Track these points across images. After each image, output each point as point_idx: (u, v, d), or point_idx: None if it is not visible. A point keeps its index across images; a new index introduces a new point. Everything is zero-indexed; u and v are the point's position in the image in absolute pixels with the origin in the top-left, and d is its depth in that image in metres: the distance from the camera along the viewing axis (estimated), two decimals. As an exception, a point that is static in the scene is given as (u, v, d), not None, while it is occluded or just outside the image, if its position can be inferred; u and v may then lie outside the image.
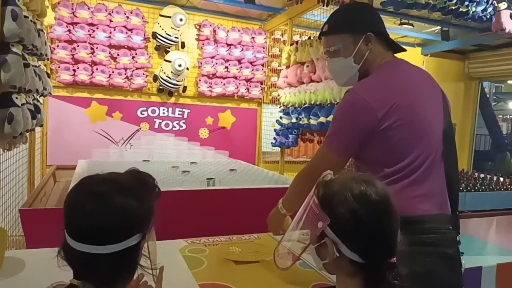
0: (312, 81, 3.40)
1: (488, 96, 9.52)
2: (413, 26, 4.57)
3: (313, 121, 3.27)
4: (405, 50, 1.44)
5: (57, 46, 3.75)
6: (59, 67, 3.78)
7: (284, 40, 4.67)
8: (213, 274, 1.41)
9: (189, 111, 4.49)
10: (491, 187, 3.83)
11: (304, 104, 3.48)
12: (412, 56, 5.70)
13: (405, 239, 1.03)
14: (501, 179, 4.30)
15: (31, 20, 2.14)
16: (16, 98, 2.02)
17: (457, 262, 1.22)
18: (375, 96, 1.21)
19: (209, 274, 1.41)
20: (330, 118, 3.02)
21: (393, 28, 4.78)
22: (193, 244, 1.71)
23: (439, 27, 4.61)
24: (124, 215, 0.75)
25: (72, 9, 3.77)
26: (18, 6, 1.89)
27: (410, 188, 1.21)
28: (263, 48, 4.66)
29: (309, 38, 3.63)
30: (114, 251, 0.74)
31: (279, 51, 4.69)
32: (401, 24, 4.42)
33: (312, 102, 3.33)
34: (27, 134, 2.66)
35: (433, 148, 1.26)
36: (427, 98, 1.30)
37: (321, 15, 3.56)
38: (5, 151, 2.29)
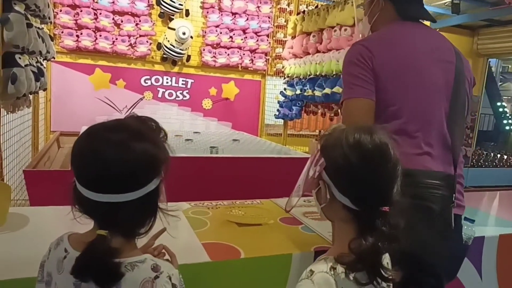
0: (318, 51, 3.35)
1: (494, 75, 9.40)
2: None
3: (318, 93, 3.24)
4: (425, 19, 1.41)
5: (60, 10, 3.69)
6: (62, 32, 3.72)
7: (290, 10, 4.57)
8: (216, 234, 1.44)
9: (192, 81, 4.46)
10: (494, 164, 3.84)
11: (309, 75, 3.44)
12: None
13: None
14: (505, 156, 4.30)
15: (33, -21, 2.09)
16: (19, 58, 2.00)
17: (442, 218, 1.19)
18: (374, 47, 1.23)
19: (212, 234, 1.43)
20: (335, 89, 2.99)
21: (403, 0, 4.67)
22: (196, 207, 1.73)
23: (449, 0, 4.50)
24: (143, 160, 0.73)
25: (74, -28, 3.68)
26: (20, -38, 1.84)
27: (402, 135, 1.20)
28: (269, 18, 4.57)
29: (316, 7, 3.54)
30: (135, 198, 0.72)
31: (285, 21, 4.60)
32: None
33: (318, 73, 3.29)
34: (31, 97, 2.66)
35: (434, 105, 1.25)
36: (427, 61, 1.27)
37: (329, -17, 3.46)
38: (9, 113, 2.28)
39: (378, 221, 0.80)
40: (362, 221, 0.81)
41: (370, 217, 0.80)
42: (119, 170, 0.71)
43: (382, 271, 0.78)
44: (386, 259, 0.88)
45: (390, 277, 0.79)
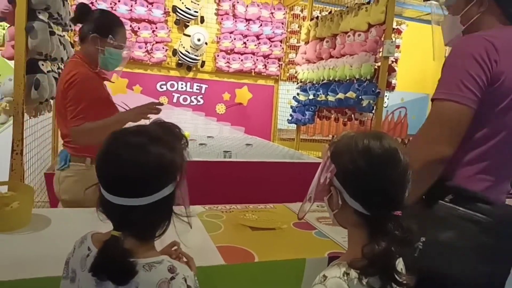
0: (331, 56, 3.37)
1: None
2: (438, 2, 4.42)
3: (331, 98, 3.25)
4: None
5: (79, 17, 3.79)
6: (81, 38, 3.82)
7: (303, 16, 4.60)
8: (230, 237, 1.46)
9: (206, 86, 4.51)
10: None
11: (323, 80, 3.45)
12: (437, 35, 5.54)
13: (451, 208, 1.05)
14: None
15: (56, -11, 2.17)
16: (42, 65, 2.08)
17: (493, 253, 1.11)
18: (500, 42, 1.06)
19: (226, 238, 1.46)
20: (348, 94, 3.00)
21: (417, 4, 4.65)
22: (211, 210, 1.76)
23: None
24: (158, 166, 0.75)
25: (94, -20, 3.79)
26: (44, -27, 1.92)
27: (474, 167, 1.13)
28: (282, 24, 4.61)
29: (330, 12, 3.56)
30: (150, 202, 0.74)
31: (298, 27, 4.62)
32: (425, 0, 4.28)
33: (331, 78, 3.30)
34: (52, 102, 2.74)
35: None
36: None
37: (343, -11, 3.48)
38: (31, 117, 2.37)
39: (390, 225, 0.80)
40: (374, 225, 0.82)
41: (382, 222, 0.81)
42: (134, 174, 0.73)
43: (396, 276, 0.79)
44: (400, 264, 0.88)
45: (404, 281, 0.80)
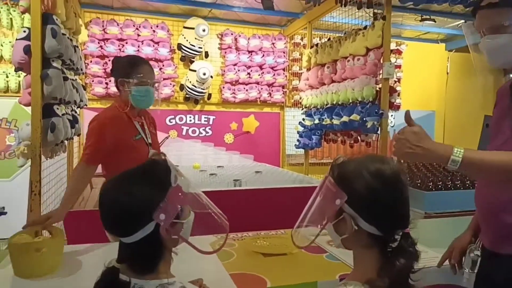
0: (333, 81, 3.45)
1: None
2: (435, 22, 4.53)
3: (336, 121, 3.31)
4: None
5: (91, 61, 3.99)
6: (92, 81, 4.01)
7: (304, 44, 4.74)
8: (243, 265, 1.49)
9: (214, 117, 4.63)
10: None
11: (326, 104, 3.52)
12: (436, 52, 5.64)
13: None
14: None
15: (68, 37, 2.32)
16: (57, 108, 2.20)
17: None
18: None
19: (239, 265, 1.49)
20: (353, 117, 3.06)
21: (415, 25, 4.76)
22: (223, 239, 1.79)
23: (462, 21, 4.55)
24: (128, 208, 0.81)
25: (103, 26, 4.00)
26: (57, 24, 2.07)
27: None
28: (284, 53, 4.75)
29: (329, 39, 3.68)
30: (137, 240, 0.80)
31: (299, 54, 4.76)
32: (422, 20, 4.39)
33: (334, 102, 3.37)
34: (66, 143, 2.86)
35: None
36: None
37: (339, 16, 3.61)
38: (48, 159, 2.47)
39: (404, 243, 0.84)
40: (387, 245, 0.85)
41: (394, 240, 0.84)
42: (109, 216, 0.83)
43: None
44: None
45: None
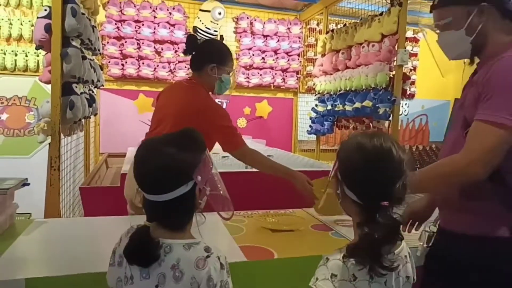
0: (347, 67, 3.45)
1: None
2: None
3: (348, 107, 3.32)
4: None
5: (107, 42, 4.05)
6: (109, 62, 4.08)
7: (319, 30, 4.72)
8: (252, 238, 1.55)
9: (227, 101, 4.67)
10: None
11: (340, 91, 3.53)
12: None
13: None
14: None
15: (86, 17, 2.38)
16: (76, 87, 2.27)
17: None
18: None
19: (248, 239, 1.55)
20: (365, 103, 3.06)
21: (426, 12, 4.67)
22: (234, 216, 1.85)
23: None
24: (171, 170, 0.86)
25: (120, 7, 4.05)
26: (77, 3, 2.12)
27: None
28: (299, 38, 4.74)
29: (345, 25, 3.66)
30: (170, 199, 0.86)
31: (315, 40, 4.74)
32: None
33: (348, 89, 3.38)
34: (83, 122, 2.94)
35: None
36: None
37: (356, 1, 3.58)
38: (65, 136, 2.55)
39: (380, 215, 0.89)
40: (366, 214, 0.92)
41: (371, 211, 0.90)
42: (150, 175, 0.87)
43: (381, 261, 0.86)
44: (404, 251, 0.97)
45: (389, 266, 0.87)
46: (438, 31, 1.33)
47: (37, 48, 2.20)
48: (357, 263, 0.88)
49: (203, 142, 0.94)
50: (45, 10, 2.08)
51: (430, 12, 1.36)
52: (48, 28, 2.04)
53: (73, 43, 2.16)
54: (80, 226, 1.68)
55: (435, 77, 5.43)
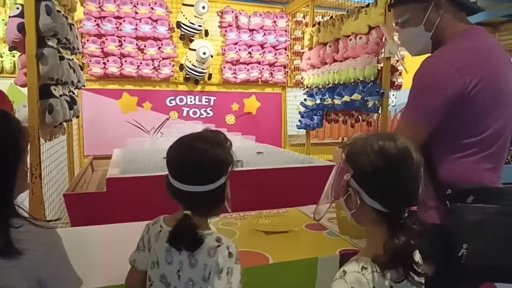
0: (335, 61, 3.40)
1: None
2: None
3: (337, 101, 3.27)
4: (483, 10, 1.36)
5: (87, 40, 3.91)
6: (90, 60, 3.95)
7: (306, 22, 4.65)
8: (245, 242, 1.50)
9: (215, 98, 4.58)
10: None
11: (328, 84, 3.48)
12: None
13: (481, 208, 1.10)
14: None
15: (63, 15, 2.26)
16: (54, 89, 2.16)
17: None
18: (460, 61, 1.17)
19: (242, 243, 1.48)
20: (354, 96, 3.02)
21: (418, 2, 4.64)
22: (225, 218, 1.79)
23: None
24: (218, 163, 0.98)
25: (99, 3, 3.90)
26: (51, 1, 2.01)
27: (485, 161, 1.20)
28: (285, 31, 4.67)
29: (331, 17, 3.60)
30: (212, 189, 0.97)
31: (301, 33, 4.68)
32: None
33: (336, 82, 3.33)
34: (65, 125, 2.83)
35: (509, 122, 1.23)
36: (507, 69, 1.24)
37: (342, -7, 3.52)
38: (47, 141, 2.45)
39: (408, 221, 0.85)
40: (393, 222, 0.86)
41: (400, 218, 0.85)
42: (201, 169, 0.97)
43: (415, 267, 0.83)
44: (417, 255, 0.92)
45: (423, 271, 0.84)
46: (398, 29, 1.39)
47: (10, 50, 2.08)
48: (389, 276, 0.84)
49: (230, 142, 1.06)
50: (17, 8, 1.96)
51: (389, 10, 1.39)
52: (21, 28, 1.93)
53: (49, 43, 2.05)
54: (66, 238, 1.58)
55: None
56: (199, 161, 0.96)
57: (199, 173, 0.97)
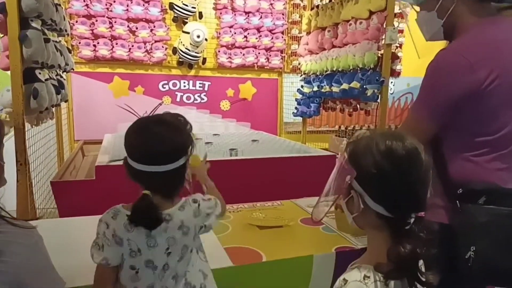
0: (334, 46, 3.30)
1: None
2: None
3: (335, 88, 3.19)
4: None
5: (76, 21, 3.76)
6: (79, 42, 3.81)
7: (304, 5, 4.52)
8: (238, 238, 1.45)
9: (209, 83, 4.47)
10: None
11: (326, 71, 3.39)
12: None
13: (493, 210, 1.05)
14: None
15: (48, -5, 2.14)
16: (39, 73, 2.06)
17: None
18: (475, 55, 1.11)
19: (234, 239, 1.44)
20: (352, 84, 2.94)
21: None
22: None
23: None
24: (177, 144, 1.01)
25: (88, -18, 3.75)
26: (34, -20, 1.89)
27: (498, 161, 1.15)
28: (283, 14, 4.53)
29: (330, 1, 3.48)
30: (171, 169, 0.99)
31: (299, 17, 4.54)
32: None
33: (334, 69, 3.24)
34: (53, 109, 2.73)
35: None
36: None
37: (342, -25, 3.39)
38: (33, 126, 2.36)
39: (415, 227, 0.79)
40: (398, 228, 0.80)
41: (406, 224, 0.79)
42: (160, 151, 0.99)
43: (420, 276, 0.78)
44: (420, 262, 0.86)
45: (429, 281, 0.78)
46: (417, 10, 1.35)
47: (-9, 31, 1.97)
48: (392, 285, 0.79)
49: (190, 125, 1.08)
50: (-2, -13, 1.84)
51: None
52: (2, 8, 1.82)
53: (33, 24, 1.94)
54: (52, 230, 1.51)
55: (421, 54, 5.33)
56: (159, 143, 0.99)
57: (159, 154, 1.00)
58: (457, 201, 1.11)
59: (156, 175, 0.98)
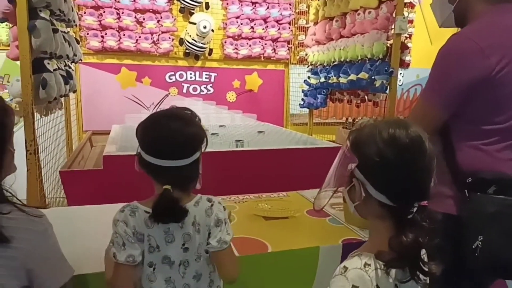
0: (341, 36, 3.27)
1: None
2: None
3: (342, 79, 3.17)
4: None
5: (84, 12, 3.77)
6: (87, 34, 3.82)
7: (311, -5, 4.47)
8: (244, 228, 1.45)
9: (216, 74, 4.47)
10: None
11: (333, 62, 3.36)
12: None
13: (503, 200, 1.05)
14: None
15: (56, -15, 2.14)
16: (48, 63, 2.07)
17: None
18: (488, 40, 1.08)
19: (240, 229, 1.44)
20: (361, 75, 2.91)
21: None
22: (224, 202, 1.73)
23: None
24: (194, 138, 1.02)
25: (96, -27, 3.74)
26: (42, -31, 1.89)
27: (508, 150, 1.13)
28: (290, 5, 4.49)
29: (338, -9, 3.43)
30: (188, 163, 0.99)
31: (307, 7, 4.49)
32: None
33: (342, 59, 3.21)
34: (62, 100, 2.75)
35: None
36: None
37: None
38: (42, 116, 2.38)
39: (417, 216, 0.78)
40: (400, 217, 0.79)
41: (409, 213, 0.78)
42: (179, 144, 0.99)
43: (422, 266, 0.77)
44: (422, 251, 0.86)
45: (431, 271, 0.78)
46: None
47: (1, 21, 1.99)
48: (394, 274, 0.78)
49: (199, 117, 1.09)
50: (7, -23, 1.85)
51: None
52: (11, -2, 1.83)
53: (42, 14, 1.95)
54: (61, 218, 1.54)
55: (430, 44, 5.26)
56: (175, 138, 1.00)
57: (180, 149, 1.00)
58: (466, 190, 1.10)
59: (175, 169, 0.99)
